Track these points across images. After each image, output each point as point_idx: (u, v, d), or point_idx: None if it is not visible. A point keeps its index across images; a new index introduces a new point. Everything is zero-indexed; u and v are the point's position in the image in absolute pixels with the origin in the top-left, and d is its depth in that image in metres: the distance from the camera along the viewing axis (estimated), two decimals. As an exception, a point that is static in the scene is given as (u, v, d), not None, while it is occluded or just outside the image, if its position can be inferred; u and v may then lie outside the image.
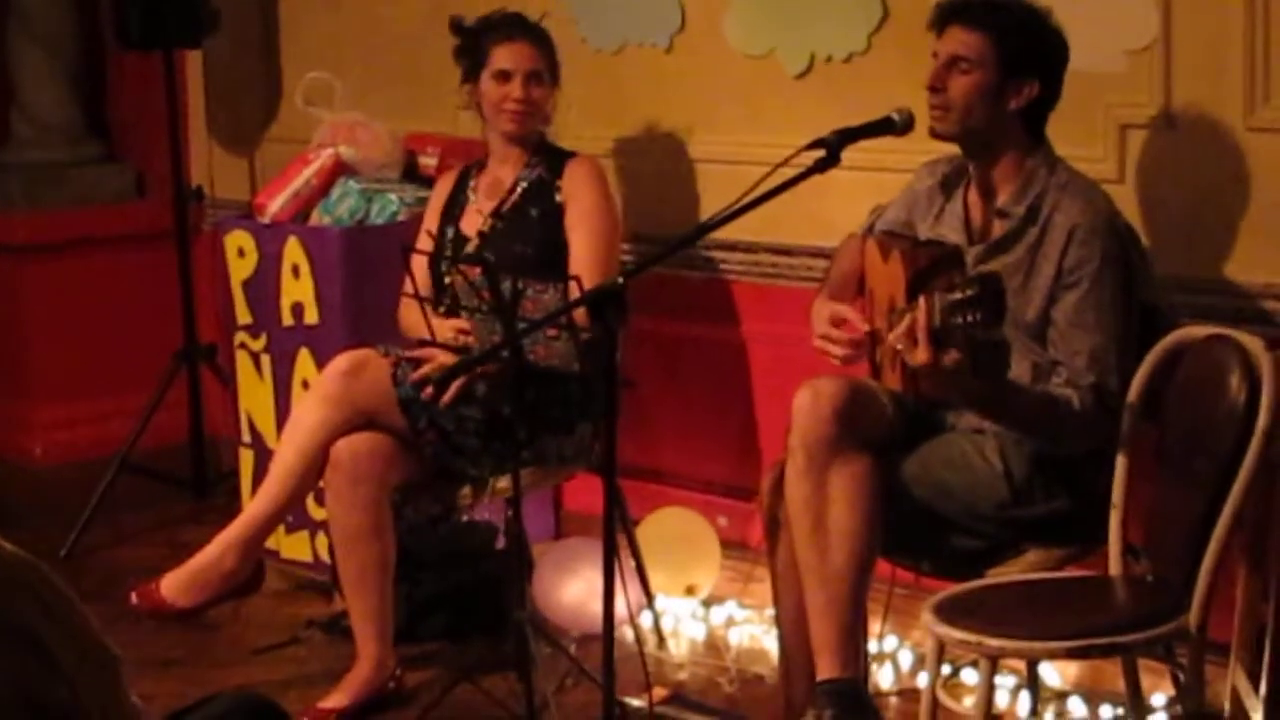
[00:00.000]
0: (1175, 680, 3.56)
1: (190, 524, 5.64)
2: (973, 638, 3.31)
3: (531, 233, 4.46)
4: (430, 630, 4.66)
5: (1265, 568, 3.44)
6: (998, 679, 3.58)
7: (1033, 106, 3.69)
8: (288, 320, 4.93)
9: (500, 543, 4.66)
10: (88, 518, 5.50)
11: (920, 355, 3.36)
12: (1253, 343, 3.37)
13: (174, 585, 4.20)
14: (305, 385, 4.79)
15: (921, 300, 3.37)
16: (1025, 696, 3.96)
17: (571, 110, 4.90)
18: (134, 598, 4.23)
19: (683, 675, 4.45)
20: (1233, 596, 3.43)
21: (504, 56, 4.48)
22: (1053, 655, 3.58)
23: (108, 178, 6.72)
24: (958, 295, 3.29)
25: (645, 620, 4.61)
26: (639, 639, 4.29)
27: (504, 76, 4.47)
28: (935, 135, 3.73)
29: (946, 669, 3.76)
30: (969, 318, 3.28)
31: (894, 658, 4.35)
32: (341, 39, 5.87)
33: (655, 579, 4.65)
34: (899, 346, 3.40)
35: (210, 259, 5.58)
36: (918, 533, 3.68)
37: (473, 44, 4.54)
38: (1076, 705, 4.06)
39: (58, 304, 6.47)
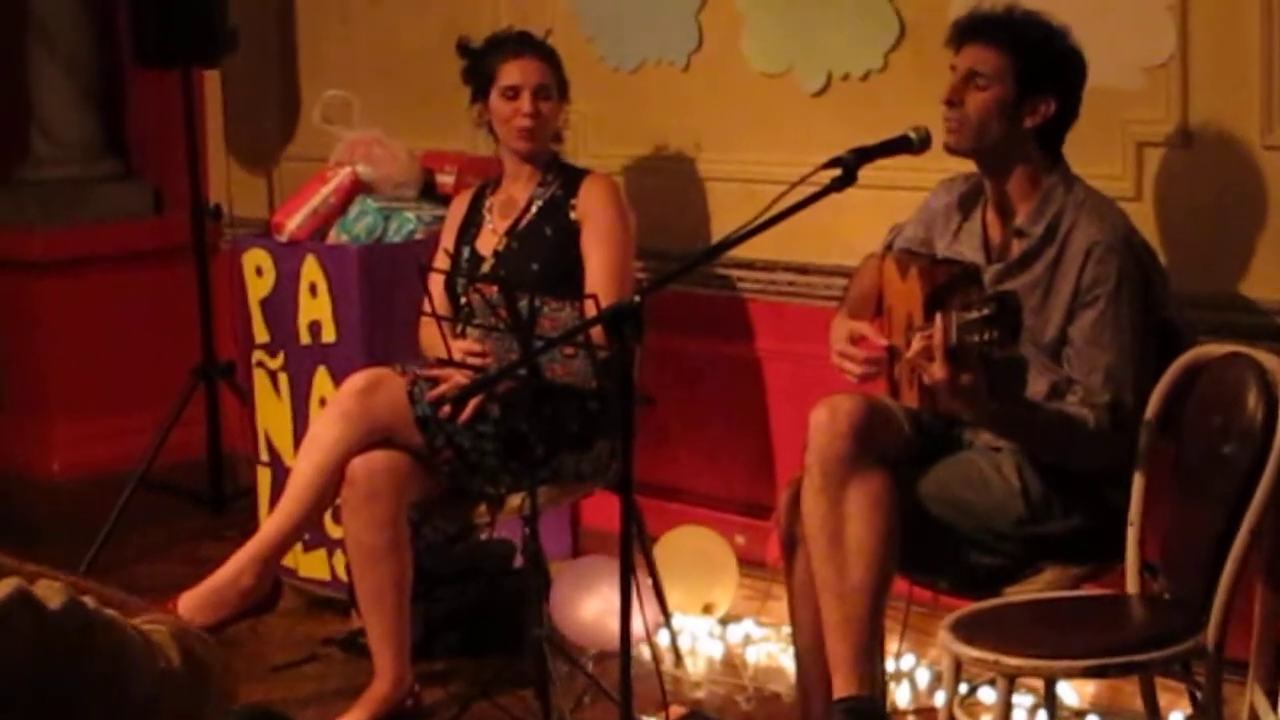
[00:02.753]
0: (1193, 699, 3.54)
1: (208, 541, 5.66)
2: (990, 656, 3.30)
3: (546, 251, 4.46)
4: (448, 647, 4.66)
5: (1283, 586, 3.43)
6: (1015, 698, 3.57)
7: (1049, 124, 3.69)
8: (305, 338, 4.94)
9: (518, 560, 4.66)
10: (106, 534, 5.51)
11: (936, 373, 3.36)
12: (1270, 360, 3.37)
13: (191, 603, 4.20)
14: (323, 403, 4.79)
15: (938, 318, 3.37)
16: (1043, 715, 3.94)
17: (588, 128, 4.91)
18: (151, 616, 4.23)
19: (700, 693, 4.45)
20: (1250, 614, 3.42)
21: (511, 73, 4.49)
22: (1070, 674, 3.57)
23: (126, 195, 6.72)
24: (974, 314, 3.30)
25: (662, 638, 4.60)
26: (656, 657, 4.29)
27: (512, 92, 4.48)
28: (950, 150, 3.73)
29: (964, 688, 3.75)
30: (985, 336, 3.28)
31: (911, 676, 4.34)
32: (359, 57, 5.88)
33: (672, 597, 4.65)
34: (915, 365, 3.40)
35: (228, 277, 5.58)
36: (935, 550, 3.67)
37: (480, 63, 4.56)
38: (1094, 724, 4.06)
39: (76, 321, 6.47)
